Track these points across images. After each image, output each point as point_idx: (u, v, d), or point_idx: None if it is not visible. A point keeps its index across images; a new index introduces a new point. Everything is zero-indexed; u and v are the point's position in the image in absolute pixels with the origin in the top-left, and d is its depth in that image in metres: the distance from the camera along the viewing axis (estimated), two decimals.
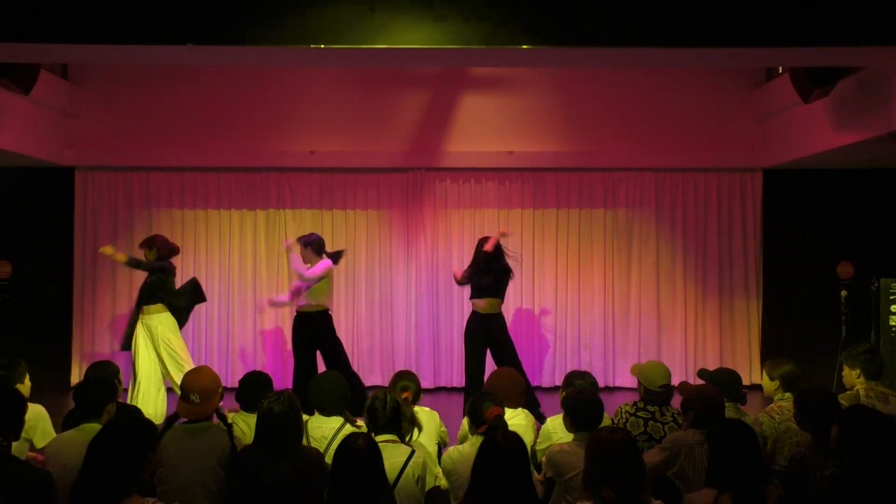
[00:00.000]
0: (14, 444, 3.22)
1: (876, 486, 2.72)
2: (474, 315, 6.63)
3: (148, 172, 8.09)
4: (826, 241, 8.08)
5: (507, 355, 6.56)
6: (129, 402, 6.01)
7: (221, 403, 3.67)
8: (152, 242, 6.45)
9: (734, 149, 8.16)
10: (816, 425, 3.38)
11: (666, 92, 8.11)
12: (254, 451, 3.19)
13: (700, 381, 4.29)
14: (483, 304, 6.57)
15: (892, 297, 7.01)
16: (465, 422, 3.93)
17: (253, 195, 8.18)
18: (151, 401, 6.16)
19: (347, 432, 3.54)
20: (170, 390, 6.30)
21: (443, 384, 8.10)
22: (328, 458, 3.19)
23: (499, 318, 6.65)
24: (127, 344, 6.37)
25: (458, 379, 8.14)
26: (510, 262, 6.67)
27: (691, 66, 7.71)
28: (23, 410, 3.25)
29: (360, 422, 3.77)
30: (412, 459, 3.34)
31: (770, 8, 4.81)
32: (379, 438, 3.32)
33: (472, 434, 3.60)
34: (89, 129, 7.97)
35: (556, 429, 3.93)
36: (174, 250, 6.52)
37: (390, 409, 3.49)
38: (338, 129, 8.06)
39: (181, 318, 6.45)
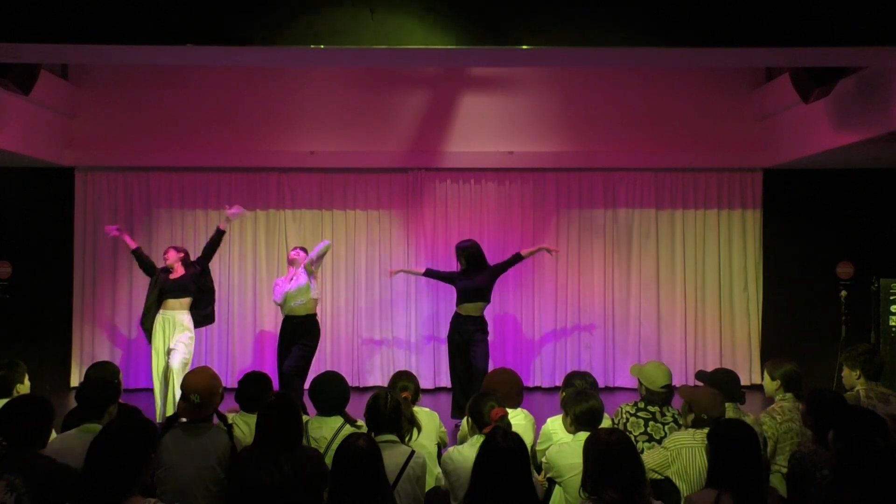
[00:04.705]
0: None
1: (870, 484, 2.72)
2: (479, 319, 6.55)
3: (148, 172, 8.09)
4: (826, 241, 8.08)
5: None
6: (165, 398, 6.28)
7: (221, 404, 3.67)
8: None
9: (734, 149, 8.16)
10: (820, 425, 3.38)
11: (666, 92, 8.11)
12: (254, 451, 3.19)
13: (699, 383, 4.29)
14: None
15: (892, 297, 7.02)
16: (464, 422, 3.93)
17: (253, 195, 8.18)
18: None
19: (347, 432, 3.55)
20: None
21: (443, 384, 8.09)
22: (328, 458, 3.19)
23: None
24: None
25: None
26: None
27: (691, 66, 7.71)
28: (51, 418, 3.23)
29: (360, 422, 3.77)
30: (412, 459, 3.33)
31: (771, 8, 4.82)
32: (379, 438, 3.32)
33: (473, 434, 3.60)
34: (89, 129, 7.97)
35: (556, 429, 3.93)
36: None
37: (390, 409, 3.48)
38: (338, 129, 8.05)
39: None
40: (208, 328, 7.57)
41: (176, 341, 6.34)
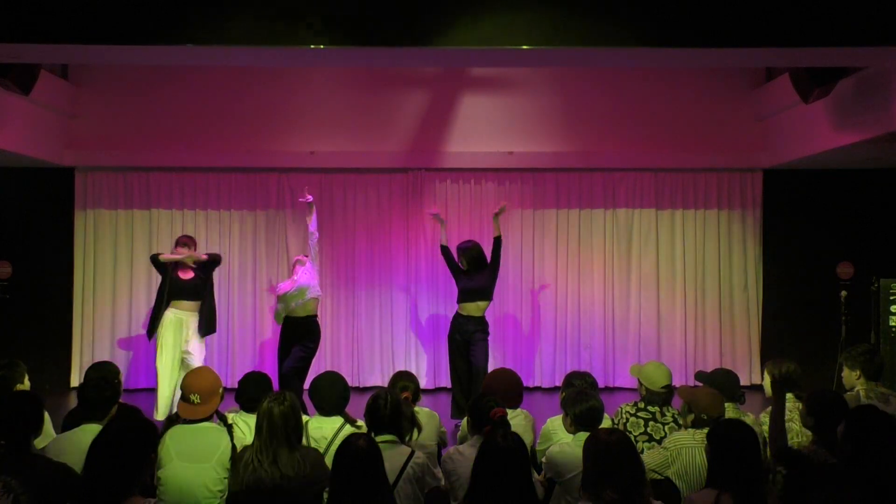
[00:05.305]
0: None
1: (875, 483, 2.72)
2: (480, 319, 6.54)
3: (148, 172, 8.09)
4: (826, 241, 8.08)
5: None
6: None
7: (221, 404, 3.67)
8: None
9: (734, 149, 8.16)
10: (820, 425, 3.38)
11: (666, 92, 8.10)
12: (254, 451, 3.19)
13: (699, 384, 4.29)
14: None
15: (892, 297, 7.01)
16: (464, 422, 3.93)
17: (253, 195, 8.18)
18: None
19: (347, 432, 3.55)
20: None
21: (442, 384, 8.08)
22: (328, 458, 3.19)
23: None
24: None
25: None
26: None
27: (691, 66, 7.71)
28: (42, 409, 3.23)
29: (360, 422, 3.77)
30: (412, 459, 3.34)
31: (771, 8, 4.82)
32: (379, 438, 3.33)
33: (474, 434, 3.60)
34: (89, 129, 7.96)
35: (556, 429, 3.94)
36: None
37: (390, 409, 3.49)
38: (338, 129, 8.05)
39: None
40: None
41: (192, 345, 6.34)
